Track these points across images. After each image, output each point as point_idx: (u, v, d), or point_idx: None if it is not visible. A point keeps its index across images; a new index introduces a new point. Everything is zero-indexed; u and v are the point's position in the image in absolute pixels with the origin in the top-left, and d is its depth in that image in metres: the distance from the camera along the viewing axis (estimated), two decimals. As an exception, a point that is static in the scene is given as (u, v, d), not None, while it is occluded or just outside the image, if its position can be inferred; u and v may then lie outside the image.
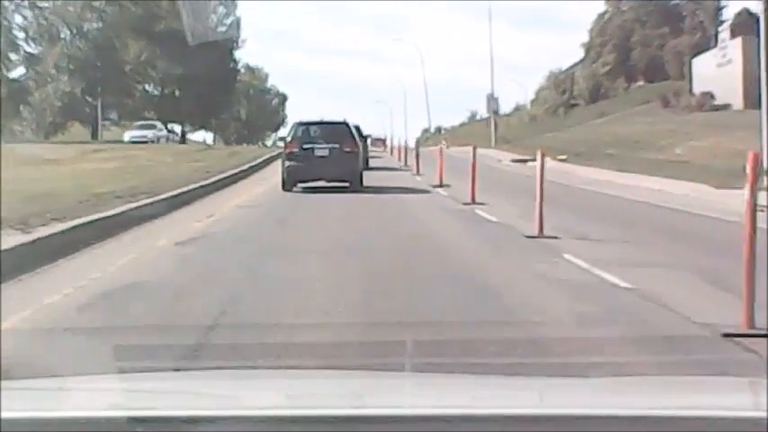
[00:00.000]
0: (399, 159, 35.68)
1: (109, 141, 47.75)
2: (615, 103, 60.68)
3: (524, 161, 32.47)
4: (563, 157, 32.82)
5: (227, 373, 3.65)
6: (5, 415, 1.74)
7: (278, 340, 5.65)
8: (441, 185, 20.88)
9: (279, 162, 21.66)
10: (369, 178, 21.86)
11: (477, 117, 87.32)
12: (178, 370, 4.42)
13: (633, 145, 35.45)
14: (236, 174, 24.39)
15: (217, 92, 59.92)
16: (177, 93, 62.47)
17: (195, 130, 69.21)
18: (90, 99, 58.81)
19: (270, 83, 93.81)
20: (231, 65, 65.23)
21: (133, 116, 61.57)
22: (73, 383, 2.51)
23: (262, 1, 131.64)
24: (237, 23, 64.54)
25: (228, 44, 63.45)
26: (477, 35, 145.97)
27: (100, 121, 58.29)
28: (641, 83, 63.34)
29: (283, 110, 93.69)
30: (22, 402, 2.03)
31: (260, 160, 31.88)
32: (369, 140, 33.08)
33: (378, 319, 6.32)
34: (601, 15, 67.43)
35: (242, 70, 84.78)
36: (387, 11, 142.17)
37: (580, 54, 70.73)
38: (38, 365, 4.85)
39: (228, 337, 5.75)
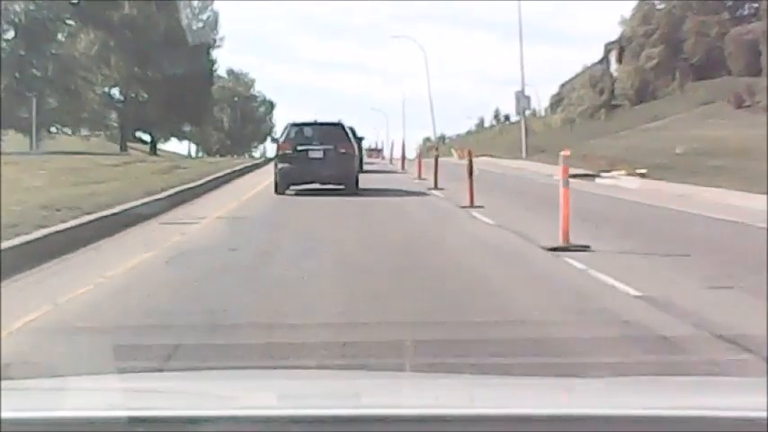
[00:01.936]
0: (422, 177, 24.34)
1: (47, 153, 36.52)
2: (669, 103, 51.42)
3: (588, 177, 25.00)
4: (642, 170, 25.27)
5: (227, 373, 3.65)
6: (5, 415, 1.76)
7: (278, 340, 5.65)
8: (567, 248, 9.89)
9: (237, 183, 18.24)
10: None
11: (486, 124, 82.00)
12: (178, 370, 4.42)
13: (742, 155, 26.11)
14: (117, 215, 12.54)
15: (191, 95, 51.27)
16: (144, 96, 53.71)
17: (167, 139, 61.30)
18: (22, 101, 46.17)
19: (256, 89, 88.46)
20: (208, 65, 57.08)
21: (90, 123, 53.49)
22: (73, 383, 2.53)
23: (254, 7, 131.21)
24: (215, 19, 57.75)
25: (205, 42, 55.93)
26: (471, 46, 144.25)
27: (34, 128, 44.69)
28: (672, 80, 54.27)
29: (271, 118, 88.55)
30: (22, 402, 2.04)
31: (206, 180, 21.46)
32: (363, 145, 32.03)
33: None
34: (642, 0, 58.22)
35: (225, 75, 80.00)
36: (379, 22, 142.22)
37: (577, 67, 63.60)
38: (38, 365, 4.86)
39: (228, 336, 5.75)
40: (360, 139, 27.58)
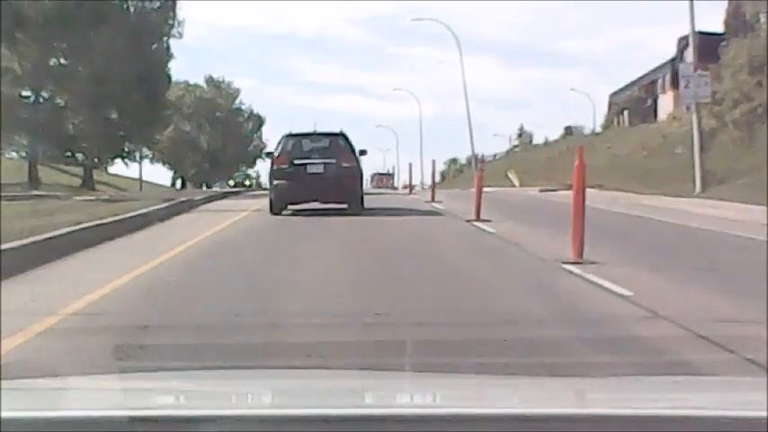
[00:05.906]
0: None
1: None
2: None
3: None
4: None
5: (227, 373, 3.66)
6: (5, 415, 1.77)
7: (278, 340, 5.65)
8: None
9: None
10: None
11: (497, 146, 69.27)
12: (178, 370, 4.42)
13: None
14: None
15: (136, 100, 35.71)
16: (66, 100, 36.80)
17: (103, 161, 44.40)
18: None
19: (242, 102, 73.96)
20: (161, 59, 39.70)
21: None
22: (73, 383, 2.53)
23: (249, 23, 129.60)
24: (172, 1, 39.29)
25: (160, 27, 39.18)
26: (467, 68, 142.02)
27: None
28: None
29: (260, 137, 74.29)
30: (22, 402, 2.05)
31: None
32: (368, 166, 28.12)
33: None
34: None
35: (204, 84, 69.62)
36: (378, 44, 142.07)
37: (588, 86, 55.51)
38: (38, 365, 4.86)
39: (228, 336, 5.75)
40: (362, 152, 23.13)
